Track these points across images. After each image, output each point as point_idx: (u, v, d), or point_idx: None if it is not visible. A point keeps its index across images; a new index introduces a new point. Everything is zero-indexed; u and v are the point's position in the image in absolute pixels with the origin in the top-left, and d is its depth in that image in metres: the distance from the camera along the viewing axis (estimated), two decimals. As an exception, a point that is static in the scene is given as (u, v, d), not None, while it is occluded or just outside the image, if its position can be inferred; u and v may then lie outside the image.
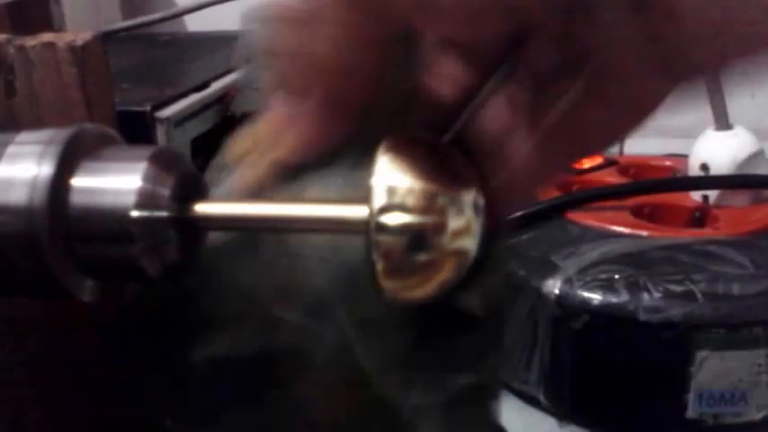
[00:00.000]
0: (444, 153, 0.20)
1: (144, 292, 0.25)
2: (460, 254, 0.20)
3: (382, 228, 0.19)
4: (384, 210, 0.19)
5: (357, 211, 0.20)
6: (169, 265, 0.22)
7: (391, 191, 0.19)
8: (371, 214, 0.19)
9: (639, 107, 0.21)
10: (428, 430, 0.22)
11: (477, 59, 0.21)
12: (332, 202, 0.21)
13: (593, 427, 0.54)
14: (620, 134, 0.22)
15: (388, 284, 0.20)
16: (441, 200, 0.19)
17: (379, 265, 0.19)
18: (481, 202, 0.20)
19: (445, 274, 0.20)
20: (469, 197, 0.20)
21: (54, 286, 0.22)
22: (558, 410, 0.55)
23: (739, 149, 0.64)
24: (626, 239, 0.57)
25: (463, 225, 0.20)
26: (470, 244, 0.20)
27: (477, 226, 0.20)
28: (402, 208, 0.19)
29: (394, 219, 0.19)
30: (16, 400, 0.33)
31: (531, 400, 0.56)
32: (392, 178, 0.19)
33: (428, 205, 0.19)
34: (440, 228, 0.19)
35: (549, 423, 0.55)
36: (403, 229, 0.19)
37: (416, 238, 0.19)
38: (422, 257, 0.19)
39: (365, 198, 0.20)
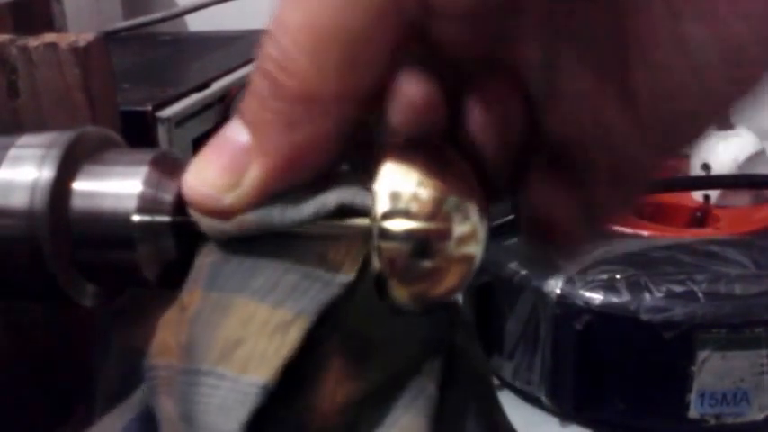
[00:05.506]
0: (448, 158, 0.20)
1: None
2: (466, 260, 0.19)
3: (386, 234, 0.19)
4: (387, 216, 0.19)
5: (361, 218, 0.19)
6: (169, 269, 0.22)
7: (395, 196, 0.19)
8: (375, 220, 0.19)
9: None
10: None
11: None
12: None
13: (594, 426, 0.54)
14: None
15: (392, 292, 0.19)
16: (445, 205, 0.19)
17: (384, 273, 0.19)
18: (486, 206, 0.20)
19: (451, 280, 0.19)
20: (475, 202, 0.19)
21: (54, 290, 0.22)
22: (560, 410, 0.55)
23: (741, 149, 0.64)
24: (627, 239, 0.57)
25: (469, 231, 0.19)
26: (476, 250, 0.19)
27: (482, 231, 0.19)
28: (406, 214, 0.19)
29: (398, 225, 0.19)
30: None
31: (533, 400, 0.56)
32: (396, 183, 0.19)
33: (433, 211, 0.19)
34: (445, 234, 0.19)
35: (551, 422, 0.55)
36: (407, 236, 0.19)
37: (421, 244, 0.19)
38: (427, 264, 0.19)
39: (369, 204, 0.19)
